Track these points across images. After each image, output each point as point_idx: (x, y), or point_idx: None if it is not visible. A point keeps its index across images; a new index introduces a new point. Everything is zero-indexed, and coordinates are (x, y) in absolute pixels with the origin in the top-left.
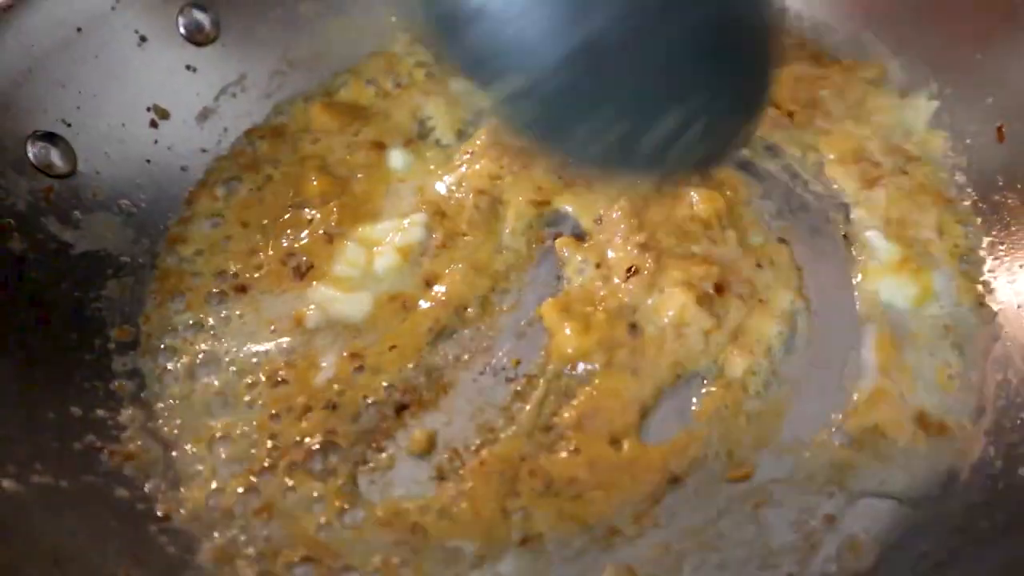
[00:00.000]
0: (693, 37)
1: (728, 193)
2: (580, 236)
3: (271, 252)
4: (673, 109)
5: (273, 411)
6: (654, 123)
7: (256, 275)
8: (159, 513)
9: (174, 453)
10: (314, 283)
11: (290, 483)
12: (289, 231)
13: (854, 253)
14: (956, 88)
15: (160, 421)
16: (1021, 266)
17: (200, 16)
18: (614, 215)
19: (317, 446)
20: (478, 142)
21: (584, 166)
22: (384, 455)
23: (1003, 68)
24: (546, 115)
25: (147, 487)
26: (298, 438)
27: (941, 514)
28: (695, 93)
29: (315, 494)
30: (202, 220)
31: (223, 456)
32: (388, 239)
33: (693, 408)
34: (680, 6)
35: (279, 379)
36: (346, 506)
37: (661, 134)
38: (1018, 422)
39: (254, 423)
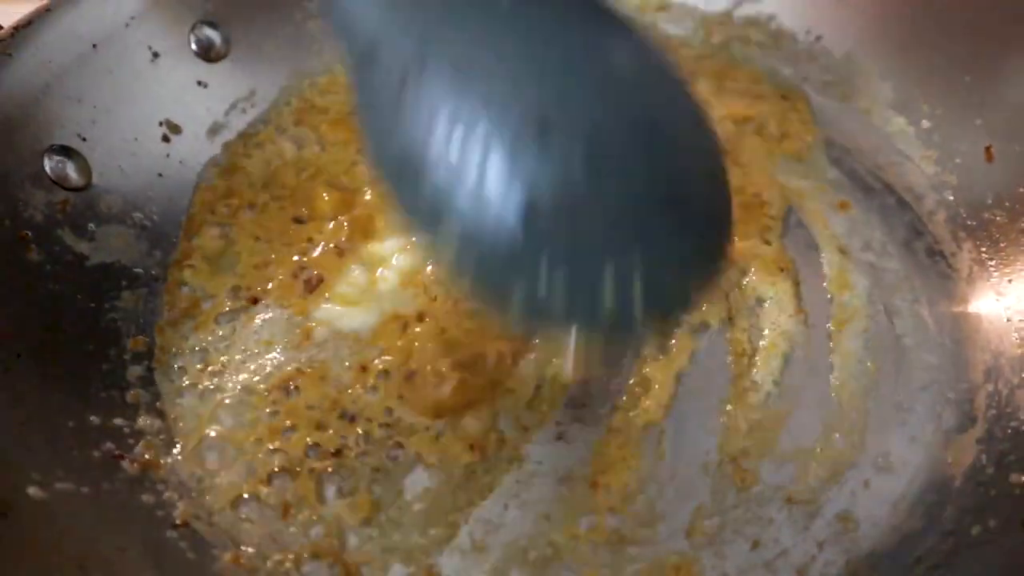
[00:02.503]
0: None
1: None
2: None
3: (282, 266)
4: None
5: (287, 421)
6: (594, 282)
7: (267, 288)
8: (177, 520)
9: (190, 461)
10: (324, 304)
11: (306, 490)
12: (303, 244)
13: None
14: (946, 110)
15: (175, 429)
16: (1010, 280)
17: (211, 33)
18: None
19: (331, 454)
20: None
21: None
22: (397, 462)
23: (991, 91)
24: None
25: (165, 494)
26: (312, 445)
27: (935, 519)
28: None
29: (331, 500)
30: (213, 234)
31: (239, 464)
32: (394, 260)
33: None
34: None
35: (291, 389)
36: (362, 511)
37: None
38: (1008, 431)
39: (269, 432)
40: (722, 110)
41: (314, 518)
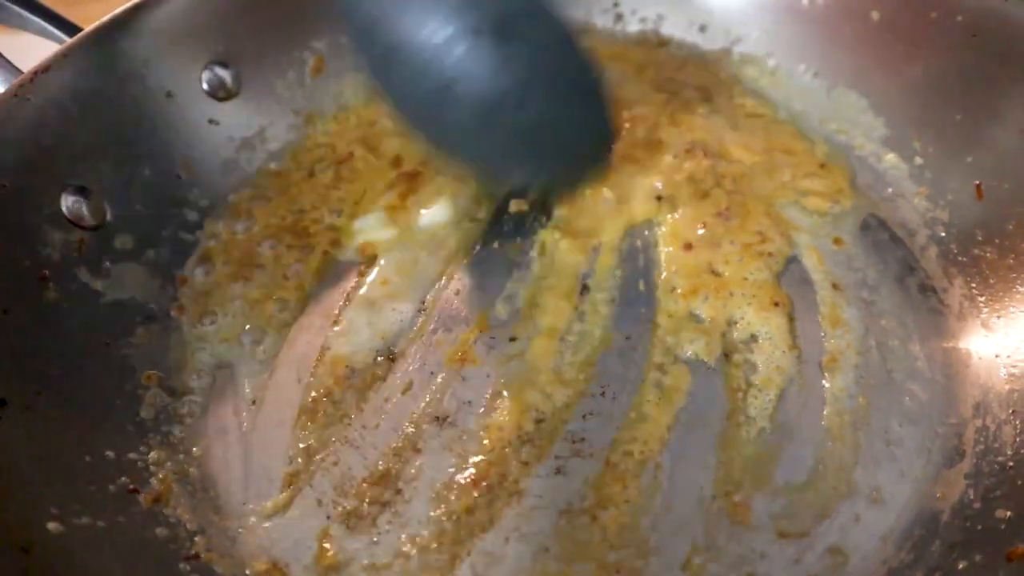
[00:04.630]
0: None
1: None
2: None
3: (297, 299)
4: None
5: (297, 456)
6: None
7: (276, 323)
8: (190, 552)
9: (202, 495)
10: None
11: (315, 523)
12: None
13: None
14: (937, 147)
15: (189, 464)
16: (999, 317)
17: (222, 73)
18: None
19: (337, 486)
20: None
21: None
22: (401, 496)
23: (981, 129)
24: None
25: (178, 527)
26: (320, 478)
27: (923, 554)
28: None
29: (337, 534)
30: (224, 268)
31: (248, 498)
32: None
33: None
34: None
35: (303, 425)
36: (364, 543)
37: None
38: (995, 466)
39: (277, 467)
40: (738, 148)
41: (318, 548)
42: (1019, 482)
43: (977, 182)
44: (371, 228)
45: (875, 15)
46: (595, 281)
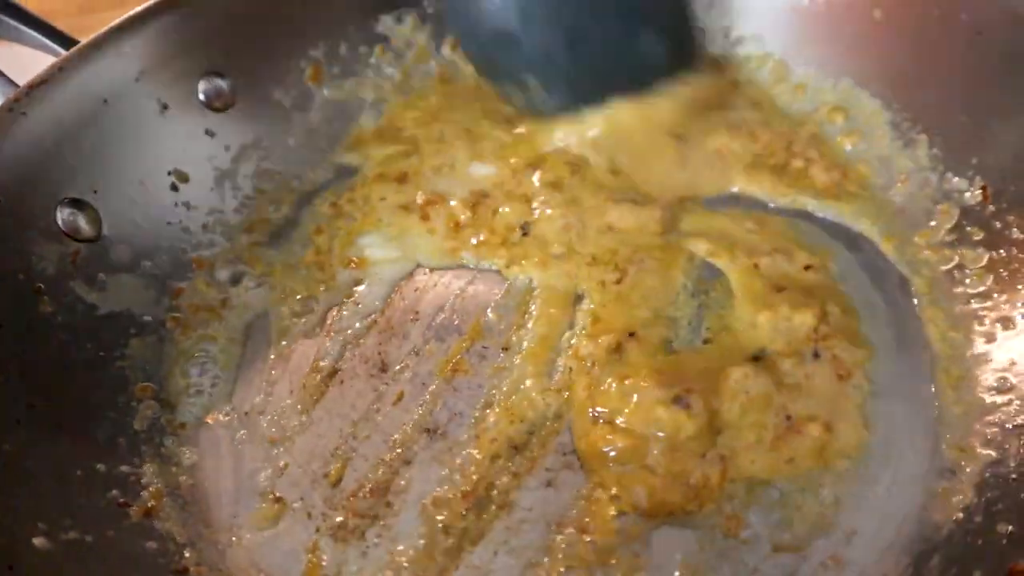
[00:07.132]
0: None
1: None
2: None
3: (290, 311)
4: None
5: (287, 468)
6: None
7: (275, 335)
8: (179, 566)
9: (192, 507)
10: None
11: (304, 536)
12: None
13: None
14: (942, 149)
15: (181, 478)
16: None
17: (218, 83)
18: None
19: (326, 498)
20: None
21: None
22: (391, 508)
23: (987, 130)
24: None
25: (167, 541)
26: (310, 490)
27: (922, 568)
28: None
29: (325, 546)
30: (221, 279)
31: (238, 511)
32: None
33: None
34: None
35: (295, 439)
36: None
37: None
38: (999, 479)
39: (267, 482)
40: None
41: (307, 561)
42: (1022, 495)
43: (983, 184)
44: (375, 245)
45: (877, 14)
46: None
